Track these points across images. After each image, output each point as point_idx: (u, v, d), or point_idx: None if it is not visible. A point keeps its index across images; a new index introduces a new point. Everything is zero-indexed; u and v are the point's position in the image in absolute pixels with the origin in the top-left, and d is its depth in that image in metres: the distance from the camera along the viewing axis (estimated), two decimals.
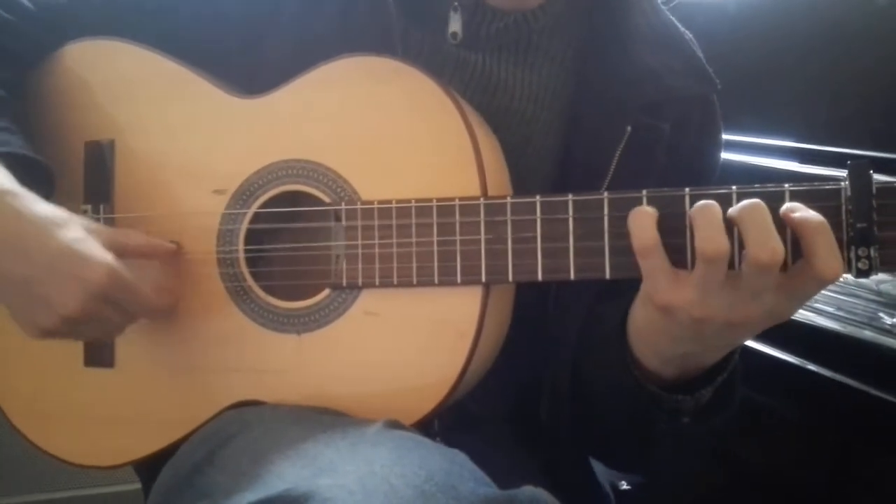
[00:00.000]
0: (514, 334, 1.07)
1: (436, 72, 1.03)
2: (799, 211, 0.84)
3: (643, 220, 0.88)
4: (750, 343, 1.34)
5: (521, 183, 1.06)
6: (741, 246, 0.84)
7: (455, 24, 1.11)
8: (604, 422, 1.09)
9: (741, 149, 1.41)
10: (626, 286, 0.94)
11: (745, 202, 0.85)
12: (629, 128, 1.07)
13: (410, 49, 1.10)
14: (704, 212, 0.85)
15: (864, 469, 1.28)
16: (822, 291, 1.28)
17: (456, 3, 1.10)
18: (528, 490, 0.84)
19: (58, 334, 1.01)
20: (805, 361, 1.28)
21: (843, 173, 0.86)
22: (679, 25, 1.15)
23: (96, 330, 1.04)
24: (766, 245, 0.83)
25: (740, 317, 0.87)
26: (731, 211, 0.85)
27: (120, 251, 1.02)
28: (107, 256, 0.98)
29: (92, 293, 0.97)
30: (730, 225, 0.85)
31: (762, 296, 0.85)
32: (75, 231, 0.99)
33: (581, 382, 1.09)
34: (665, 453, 1.13)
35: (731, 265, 0.85)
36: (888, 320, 1.20)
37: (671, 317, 0.89)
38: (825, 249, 0.83)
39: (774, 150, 1.41)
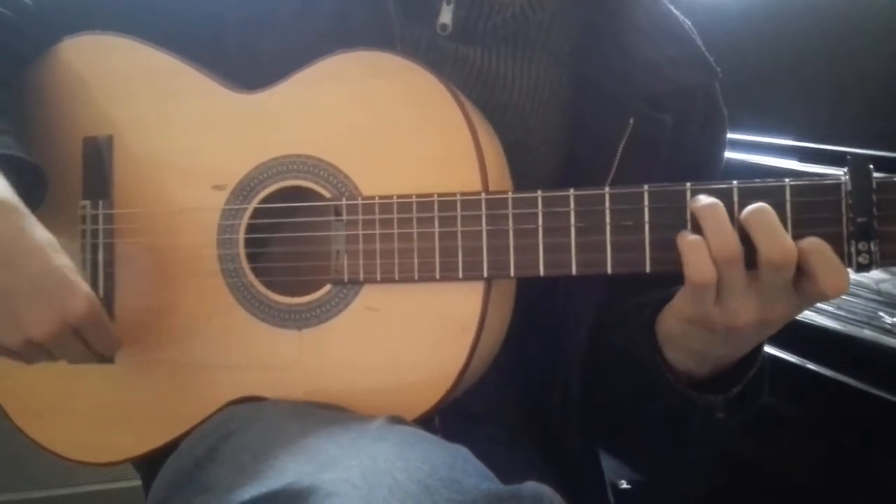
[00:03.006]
0: (520, 329, 1.07)
1: (434, 67, 1.03)
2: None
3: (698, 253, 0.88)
4: None
5: (523, 178, 1.06)
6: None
7: (445, 16, 1.11)
8: (632, 423, 1.10)
9: (741, 147, 1.41)
10: (634, 279, 0.94)
11: (751, 207, 0.86)
12: (631, 121, 1.07)
13: (409, 45, 1.10)
14: (710, 214, 0.87)
15: (863, 468, 1.28)
16: None
17: None
18: (532, 485, 0.83)
19: (10, 355, 1.00)
20: (805, 360, 1.28)
21: (843, 171, 0.87)
22: (679, 15, 1.16)
23: (49, 356, 1.03)
24: (776, 245, 0.84)
25: (776, 315, 0.88)
26: (740, 216, 0.87)
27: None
28: (89, 291, 0.98)
29: (67, 322, 0.97)
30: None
31: (788, 291, 0.87)
32: (66, 259, 0.98)
33: (604, 383, 1.09)
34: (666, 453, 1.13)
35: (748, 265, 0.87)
36: (888, 319, 1.20)
37: (708, 329, 0.91)
38: (825, 268, 0.85)
39: (774, 148, 1.41)
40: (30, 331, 0.97)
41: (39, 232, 0.99)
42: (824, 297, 0.87)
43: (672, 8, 1.16)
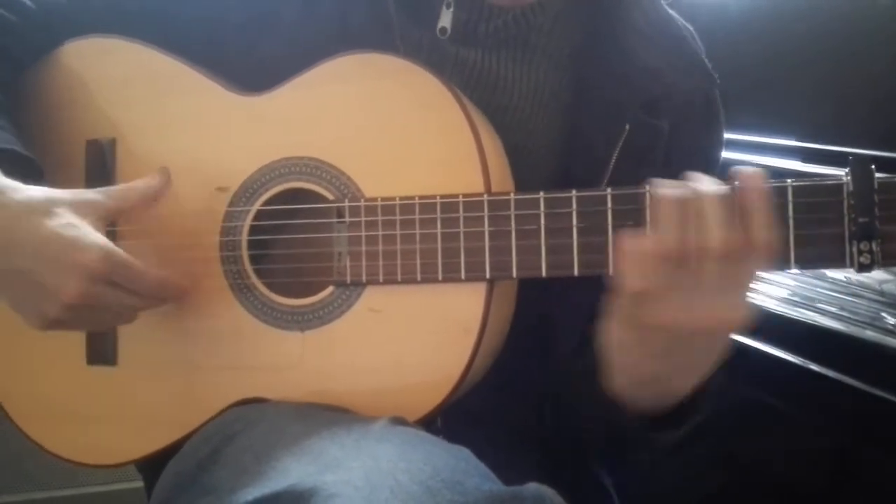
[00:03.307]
0: (519, 330, 1.07)
1: (435, 69, 1.03)
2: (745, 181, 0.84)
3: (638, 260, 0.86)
4: (753, 342, 1.34)
5: (521, 180, 1.06)
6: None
7: (445, 20, 1.11)
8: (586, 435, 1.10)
9: (744, 147, 1.41)
10: None
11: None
12: (627, 126, 1.06)
13: (409, 47, 1.10)
14: (662, 205, 0.86)
15: (866, 469, 1.28)
16: (826, 292, 1.30)
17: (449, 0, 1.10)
18: (533, 487, 0.84)
19: (64, 324, 1.01)
20: (807, 361, 1.28)
21: (844, 172, 0.87)
22: (679, 20, 1.15)
23: (104, 315, 1.04)
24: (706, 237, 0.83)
25: (701, 319, 0.86)
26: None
27: (118, 215, 1.03)
28: (98, 238, 0.98)
29: (89, 277, 0.96)
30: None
31: (710, 286, 0.85)
32: (61, 217, 0.98)
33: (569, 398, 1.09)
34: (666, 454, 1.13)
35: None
36: (891, 320, 1.20)
37: (632, 328, 0.89)
38: (759, 219, 0.83)
39: (777, 148, 1.41)
40: (62, 297, 0.97)
41: (22, 198, 0.98)
42: (749, 251, 0.84)
43: (673, 13, 1.15)
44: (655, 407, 0.97)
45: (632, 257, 0.85)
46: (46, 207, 0.98)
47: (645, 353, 0.91)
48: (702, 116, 1.15)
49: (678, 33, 1.14)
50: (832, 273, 1.30)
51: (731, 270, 0.84)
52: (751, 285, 0.87)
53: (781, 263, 0.87)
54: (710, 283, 0.85)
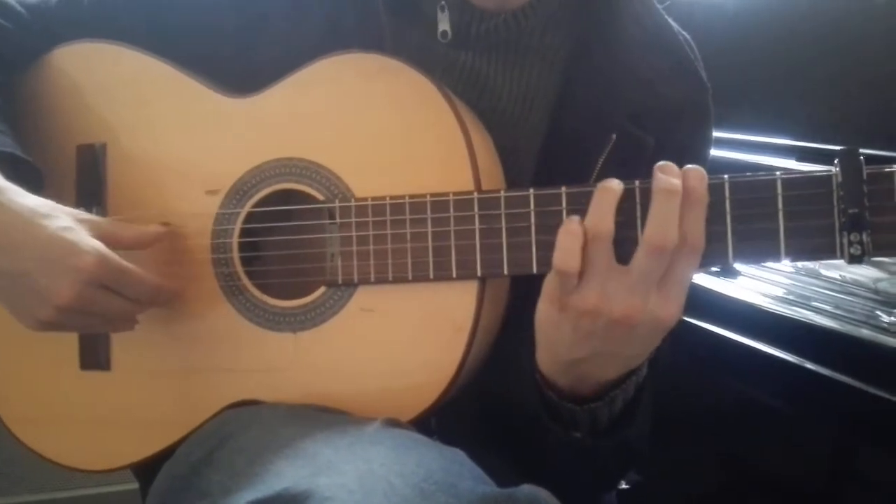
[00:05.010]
0: (510, 328, 1.07)
1: (426, 71, 1.03)
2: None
3: (571, 241, 0.89)
4: (747, 341, 1.34)
5: (509, 182, 1.06)
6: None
7: (444, 24, 1.11)
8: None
9: (738, 146, 1.41)
10: None
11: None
12: (614, 136, 1.06)
13: (399, 49, 1.10)
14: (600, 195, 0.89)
15: (862, 468, 1.28)
16: (821, 290, 1.29)
17: (443, 3, 1.10)
18: (527, 488, 0.84)
19: (58, 326, 1.01)
20: (803, 360, 1.27)
21: (834, 163, 0.87)
22: (674, 27, 1.14)
23: (97, 319, 1.04)
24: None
25: (620, 309, 0.87)
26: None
27: (111, 241, 1.02)
28: (94, 242, 0.98)
29: (84, 280, 0.97)
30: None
31: (636, 280, 0.88)
32: (62, 220, 0.99)
33: None
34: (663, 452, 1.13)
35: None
36: (886, 318, 1.19)
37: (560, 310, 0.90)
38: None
39: (772, 147, 1.41)
40: (54, 300, 0.97)
41: (25, 201, 0.99)
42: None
43: (670, 20, 1.14)
44: (574, 389, 0.98)
45: (565, 235, 0.89)
46: (47, 211, 0.99)
47: (564, 335, 0.92)
48: (690, 124, 1.14)
49: (673, 41, 1.13)
50: (827, 271, 1.30)
51: (659, 266, 0.86)
52: (682, 286, 0.88)
53: (772, 256, 0.87)
54: (635, 277, 0.87)
